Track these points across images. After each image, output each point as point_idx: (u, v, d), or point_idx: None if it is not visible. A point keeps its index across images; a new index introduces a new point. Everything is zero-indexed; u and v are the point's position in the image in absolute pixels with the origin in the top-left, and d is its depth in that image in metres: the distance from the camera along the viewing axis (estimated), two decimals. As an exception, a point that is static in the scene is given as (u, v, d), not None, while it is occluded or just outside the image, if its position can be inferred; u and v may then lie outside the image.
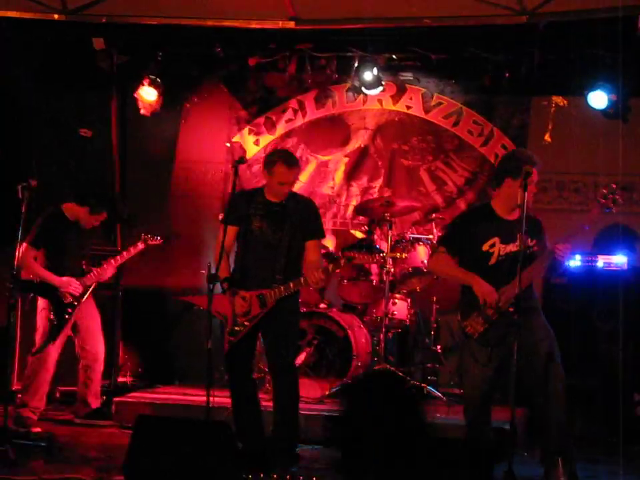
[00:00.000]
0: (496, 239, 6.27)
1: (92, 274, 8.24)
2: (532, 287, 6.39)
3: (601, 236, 8.83)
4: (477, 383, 6.32)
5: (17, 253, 7.11)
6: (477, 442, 6.17)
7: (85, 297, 8.17)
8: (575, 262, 8.34)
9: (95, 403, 8.32)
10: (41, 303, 8.09)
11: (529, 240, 6.25)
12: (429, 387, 8.68)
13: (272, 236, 6.77)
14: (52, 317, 8.02)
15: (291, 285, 6.65)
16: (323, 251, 8.37)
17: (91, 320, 8.30)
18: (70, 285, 8.06)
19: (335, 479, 6.33)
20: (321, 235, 7.03)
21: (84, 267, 8.25)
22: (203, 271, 9.19)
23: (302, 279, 6.66)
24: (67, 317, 8.06)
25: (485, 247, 6.27)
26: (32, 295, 8.21)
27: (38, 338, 8.05)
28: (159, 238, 8.64)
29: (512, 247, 6.24)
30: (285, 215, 6.79)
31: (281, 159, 6.79)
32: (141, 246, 8.51)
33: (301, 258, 6.86)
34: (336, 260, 6.79)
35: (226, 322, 6.79)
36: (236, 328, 6.74)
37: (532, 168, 6.18)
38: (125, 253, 8.45)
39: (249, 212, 6.81)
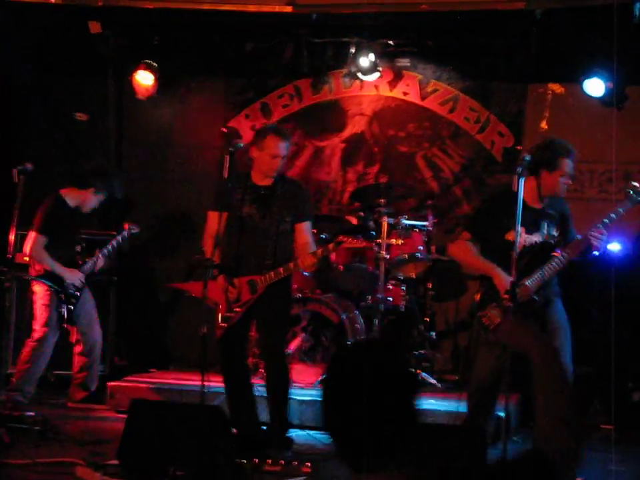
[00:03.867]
0: (521, 229, 6.17)
1: (89, 264, 8.26)
2: (556, 276, 6.30)
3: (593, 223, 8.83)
4: (488, 373, 6.29)
5: (11, 237, 7.11)
6: (474, 429, 6.17)
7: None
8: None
9: (94, 386, 8.37)
10: (41, 292, 8.10)
11: (555, 229, 6.20)
12: (423, 374, 8.71)
13: (260, 221, 6.74)
14: (57, 307, 8.06)
15: (281, 270, 6.63)
16: (317, 237, 8.38)
17: (88, 306, 8.34)
18: (76, 276, 8.11)
19: (329, 463, 6.38)
20: (310, 217, 6.98)
21: (78, 254, 8.29)
22: (196, 257, 9.22)
23: (292, 264, 6.64)
24: (71, 307, 8.12)
25: (509, 237, 6.14)
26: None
27: (38, 326, 8.06)
28: (136, 228, 8.60)
29: (536, 237, 6.17)
30: (273, 199, 6.76)
31: (272, 131, 6.76)
32: (125, 235, 8.51)
33: (291, 242, 6.84)
34: (325, 244, 6.76)
35: (218, 308, 6.79)
36: (227, 314, 6.73)
37: (565, 160, 6.14)
38: (113, 243, 8.43)
39: (237, 197, 6.78)
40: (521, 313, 5.97)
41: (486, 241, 6.26)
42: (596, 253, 6.23)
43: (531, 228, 6.14)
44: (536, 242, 6.16)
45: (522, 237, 6.14)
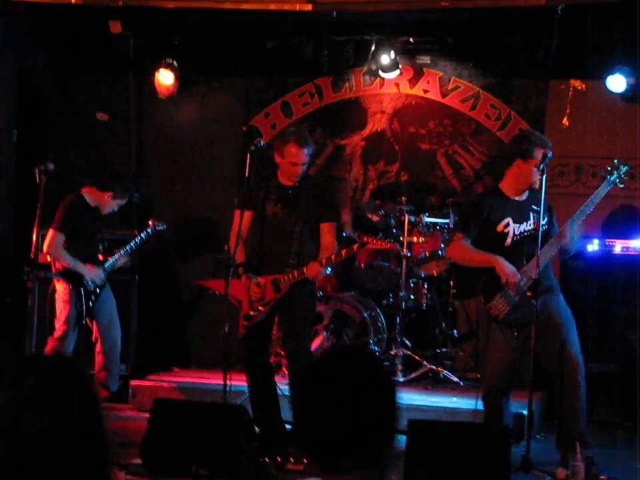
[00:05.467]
0: (509, 219, 6.29)
1: (111, 261, 8.27)
2: (549, 266, 6.40)
3: (617, 220, 8.80)
4: (503, 364, 6.31)
5: (34, 237, 7.15)
6: (495, 427, 6.16)
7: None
8: (593, 246, 8.31)
9: (114, 386, 8.38)
10: (61, 289, 8.12)
11: (542, 220, 6.26)
12: (445, 372, 8.69)
13: (285, 220, 6.75)
14: (77, 304, 8.06)
15: (305, 270, 6.64)
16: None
17: (108, 305, 8.34)
18: (96, 273, 8.12)
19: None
20: (334, 217, 6.99)
21: (100, 252, 8.29)
22: (220, 256, 9.22)
23: (297, 272, 6.64)
24: (91, 304, 8.12)
25: (500, 228, 6.29)
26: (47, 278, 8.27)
27: (59, 324, 8.08)
28: (162, 225, 8.57)
29: (525, 227, 6.27)
30: (298, 199, 6.77)
31: (293, 139, 6.76)
32: (150, 232, 8.48)
33: (315, 242, 6.84)
34: (349, 245, 6.77)
35: (241, 307, 6.79)
36: (251, 313, 6.74)
37: (541, 150, 6.21)
38: (137, 239, 8.43)
39: (262, 196, 6.80)
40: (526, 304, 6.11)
41: (478, 236, 6.33)
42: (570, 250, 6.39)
43: (519, 218, 6.28)
44: (525, 230, 6.26)
45: (511, 227, 6.25)
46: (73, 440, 2.29)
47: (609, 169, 6.47)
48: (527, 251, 6.15)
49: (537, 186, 6.26)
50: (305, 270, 6.62)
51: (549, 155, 6.19)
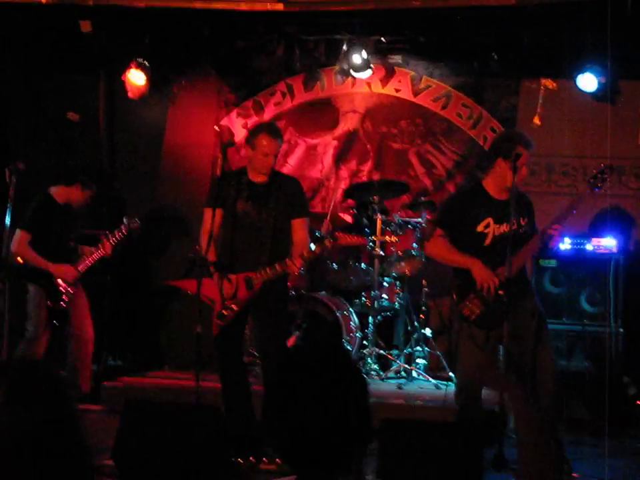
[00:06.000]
0: (490, 219, 6.25)
1: (83, 260, 8.21)
2: (525, 268, 6.39)
3: (593, 219, 8.84)
4: (474, 366, 6.30)
5: (4, 238, 7.10)
6: (468, 425, 6.16)
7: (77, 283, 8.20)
8: (565, 245, 8.34)
9: (86, 387, 8.32)
10: (33, 289, 8.06)
11: (522, 220, 6.24)
12: (418, 370, 8.70)
13: (256, 217, 6.72)
14: (49, 304, 8.01)
15: (277, 267, 6.61)
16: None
17: (80, 304, 8.29)
18: (68, 272, 8.06)
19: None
20: (306, 213, 6.97)
21: (72, 251, 8.23)
22: (191, 255, 9.19)
23: (280, 265, 6.61)
24: (62, 304, 8.06)
25: (480, 228, 6.24)
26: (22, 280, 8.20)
27: (30, 326, 8.02)
28: (136, 221, 8.46)
29: (505, 228, 6.23)
30: (268, 196, 6.75)
31: (264, 130, 6.75)
32: (124, 230, 8.38)
33: (288, 238, 6.81)
34: (321, 241, 6.73)
35: (214, 306, 6.76)
36: (224, 312, 6.70)
37: (523, 150, 6.18)
38: (111, 238, 8.34)
39: (232, 194, 6.77)
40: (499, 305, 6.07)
41: (458, 234, 6.30)
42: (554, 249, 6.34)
43: (500, 218, 6.22)
44: (505, 231, 6.21)
45: (491, 227, 6.21)
46: (51, 444, 2.27)
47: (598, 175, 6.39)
48: (506, 251, 6.12)
49: (519, 184, 6.26)
50: (287, 263, 6.59)
51: (521, 153, 6.17)
